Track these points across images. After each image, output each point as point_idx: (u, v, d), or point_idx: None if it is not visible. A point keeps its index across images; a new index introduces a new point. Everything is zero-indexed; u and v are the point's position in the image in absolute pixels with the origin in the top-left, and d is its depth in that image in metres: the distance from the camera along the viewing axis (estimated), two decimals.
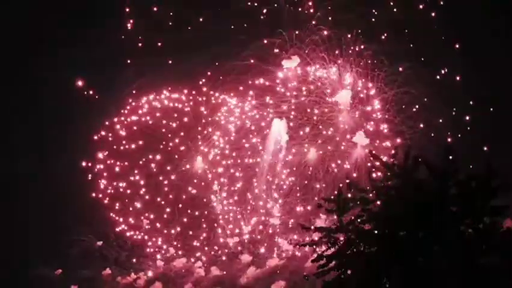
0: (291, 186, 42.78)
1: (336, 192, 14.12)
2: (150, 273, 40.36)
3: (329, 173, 42.21)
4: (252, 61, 41.81)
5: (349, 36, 41.47)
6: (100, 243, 42.16)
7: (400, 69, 41.31)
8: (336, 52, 41.91)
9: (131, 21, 43.81)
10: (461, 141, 38.85)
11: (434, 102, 40.05)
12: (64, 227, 40.40)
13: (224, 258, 41.32)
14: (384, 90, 41.99)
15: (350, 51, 41.67)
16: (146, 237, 42.21)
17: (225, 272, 40.11)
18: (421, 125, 40.79)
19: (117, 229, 42.35)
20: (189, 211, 42.58)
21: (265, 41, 41.95)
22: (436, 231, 13.41)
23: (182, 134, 43.32)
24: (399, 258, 13.53)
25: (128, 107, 43.70)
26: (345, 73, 41.90)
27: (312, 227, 14.18)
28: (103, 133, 43.19)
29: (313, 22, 42.40)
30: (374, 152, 14.35)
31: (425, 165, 13.79)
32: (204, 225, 42.51)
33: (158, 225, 42.32)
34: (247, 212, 43.25)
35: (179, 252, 41.72)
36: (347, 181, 14.11)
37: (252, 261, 40.41)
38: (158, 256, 41.75)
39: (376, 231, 13.75)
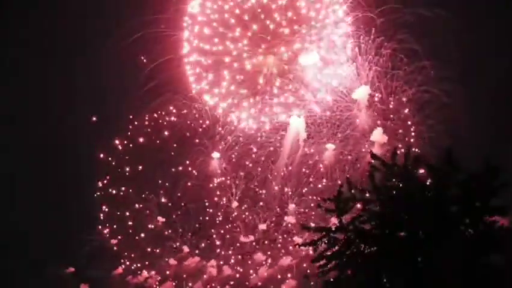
0: (307, 184, 42.93)
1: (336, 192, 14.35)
2: (162, 273, 40.76)
3: (345, 172, 42.32)
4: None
5: (368, 34, 41.58)
6: (113, 241, 42.59)
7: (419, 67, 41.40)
8: (356, 50, 42.05)
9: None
10: (481, 141, 38.73)
11: (454, 102, 39.95)
12: (78, 226, 40.97)
13: (237, 257, 41.56)
14: (404, 89, 42.05)
15: (369, 50, 41.77)
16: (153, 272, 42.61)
17: (236, 272, 40.41)
18: (440, 124, 40.70)
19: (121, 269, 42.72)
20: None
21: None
22: (436, 231, 13.60)
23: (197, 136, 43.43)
24: (399, 258, 13.74)
25: (130, 127, 44.08)
26: (363, 71, 42.01)
27: (313, 227, 14.38)
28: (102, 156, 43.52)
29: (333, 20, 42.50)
30: (373, 152, 14.54)
31: (425, 166, 14.00)
32: (218, 225, 42.81)
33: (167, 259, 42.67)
34: (263, 211, 43.49)
35: (193, 252, 42.01)
36: (347, 181, 14.27)
37: (265, 261, 40.64)
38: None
39: (376, 231, 13.96)
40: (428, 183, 14.00)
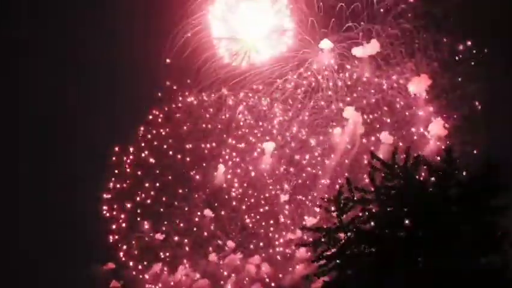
0: (358, 180, 42.86)
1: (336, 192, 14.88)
2: (199, 270, 41.47)
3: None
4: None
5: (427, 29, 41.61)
6: (160, 237, 43.30)
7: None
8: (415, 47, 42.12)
9: None
10: None
11: None
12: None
13: (280, 255, 41.94)
14: (464, 85, 41.85)
15: (428, 44, 41.78)
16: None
17: (274, 270, 40.81)
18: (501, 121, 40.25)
19: None
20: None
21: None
22: (436, 232, 13.97)
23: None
24: (399, 258, 14.17)
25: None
26: (422, 66, 41.99)
27: (313, 227, 14.94)
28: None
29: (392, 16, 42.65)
30: (373, 151, 15.00)
31: (425, 166, 14.36)
32: (266, 221, 43.28)
33: None
34: (311, 206, 43.70)
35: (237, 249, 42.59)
36: (347, 181, 14.78)
37: (308, 258, 40.89)
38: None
39: (376, 231, 14.42)
40: (428, 183, 14.37)
